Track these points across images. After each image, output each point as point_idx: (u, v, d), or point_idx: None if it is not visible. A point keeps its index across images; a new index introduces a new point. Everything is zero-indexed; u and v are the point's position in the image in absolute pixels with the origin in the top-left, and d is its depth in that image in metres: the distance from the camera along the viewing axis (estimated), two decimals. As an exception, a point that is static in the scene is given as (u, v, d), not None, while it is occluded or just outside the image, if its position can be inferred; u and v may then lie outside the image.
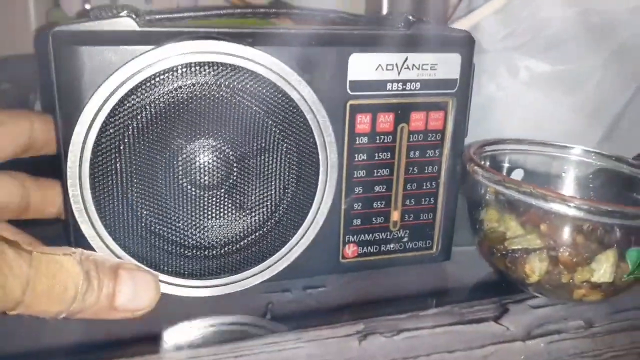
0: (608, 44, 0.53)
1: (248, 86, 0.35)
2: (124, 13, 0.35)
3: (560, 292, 0.43)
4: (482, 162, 0.46)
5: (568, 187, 0.52)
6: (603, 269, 0.41)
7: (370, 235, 0.42)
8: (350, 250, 0.42)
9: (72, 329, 0.34)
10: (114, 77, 0.32)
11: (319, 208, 0.39)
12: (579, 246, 0.42)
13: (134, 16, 0.34)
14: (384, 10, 0.53)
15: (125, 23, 0.34)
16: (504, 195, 0.43)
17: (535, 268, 0.42)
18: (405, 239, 0.44)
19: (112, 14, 0.34)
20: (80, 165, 0.33)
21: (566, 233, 0.42)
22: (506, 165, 0.51)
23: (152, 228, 0.36)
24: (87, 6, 0.38)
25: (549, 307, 0.43)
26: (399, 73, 0.38)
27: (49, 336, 0.34)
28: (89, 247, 0.35)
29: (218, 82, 0.34)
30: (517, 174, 0.51)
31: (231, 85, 0.34)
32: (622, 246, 0.41)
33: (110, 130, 0.33)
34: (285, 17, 0.43)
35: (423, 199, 0.43)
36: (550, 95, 0.55)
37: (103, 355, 0.33)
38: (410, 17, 0.41)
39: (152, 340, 0.35)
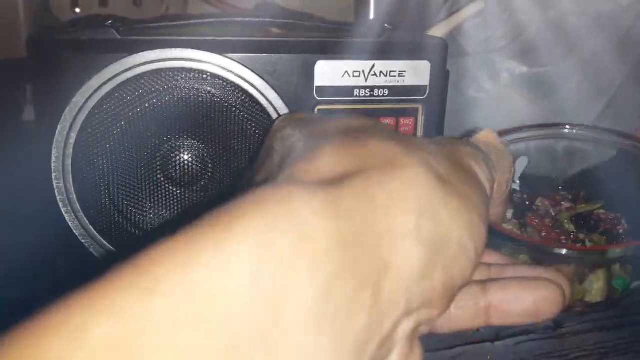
0: (586, 46, 0.54)
1: (216, 91, 0.39)
2: (109, 23, 0.39)
3: None
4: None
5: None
6: (594, 290, 0.43)
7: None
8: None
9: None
10: (92, 82, 0.37)
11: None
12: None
13: (117, 25, 0.39)
14: (371, 17, 0.56)
15: (107, 32, 0.38)
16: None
17: None
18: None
19: (97, 24, 0.39)
20: (63, 161, 0.38)
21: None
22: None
23: (132, 219, 0.40)
24: (77, 10, 0.42)
25: (521, 309, 0.45)
26: (366, 79, 0.41)
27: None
28: (72, 235, 0.39)
29: (188, 87, 0.38)
30: (522, 162, 0.52)
31: (200, 90, 0.38)
32: (611, 271, 0.43)
33: (89, 130, 0.38)
34: (269, 25, 0.46)
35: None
36: (530, 97, 0.57)
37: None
38: (386, 25, 0.44)
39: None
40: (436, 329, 0.26)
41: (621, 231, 0.45)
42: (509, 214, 0.47)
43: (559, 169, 0.53)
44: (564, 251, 0.39)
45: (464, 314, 0.26)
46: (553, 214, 0.47)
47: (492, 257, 0.31)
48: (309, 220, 0.17)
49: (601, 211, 0.47)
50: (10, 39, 0.56)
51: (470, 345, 0.41)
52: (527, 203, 0.48)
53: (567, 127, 0.53)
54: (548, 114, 0.60)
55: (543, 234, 0.44)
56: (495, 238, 0.39)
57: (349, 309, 0.17)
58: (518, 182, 0.50)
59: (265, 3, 0.56)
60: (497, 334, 0.42)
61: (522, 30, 0.55)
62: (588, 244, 0.43)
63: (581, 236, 0.44)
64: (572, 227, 0.45)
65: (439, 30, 0.59)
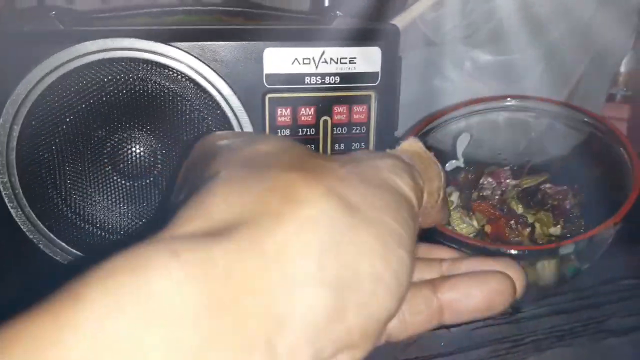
0: (550, 34, 0.55)
1: (163, 81, 0.39)
2: (52, 13, 0.39)
3: None
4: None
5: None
6: (546, 275, 0.43)
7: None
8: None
9: None
10: (33, 74, 0.37)
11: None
12: None
13: (61, 16, 0.39)
14: (326, 4, 0.56)
15: (50, 23, 0.38)
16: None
17: None
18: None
19: (40, 15, 0.39)
20: (7, 155, 0.38)
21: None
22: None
23: (81, 213, 0.40)
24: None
25: (479, 294, 0.46)
26: (316, 67, 0.42)
27: None
28: (20, 231, 0.39)
29: (132, 77, 0.38)
30: (464, 139, 0.52)
31: (146, 80, 0.38)
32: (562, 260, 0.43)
33: (33, 123, 0.38)
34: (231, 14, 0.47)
35: (351, 190, 0.46)
36: (495, 86, 0.58)
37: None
38: (337, 12, 0.44)
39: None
40: (392, 338, 0.26)
41: (568, 206, 0.46)
42: (455, 197, 0.48)
43: (502, 142, 0.53)
44: (513, 252, 0.40)
45: (417, 319, 0.26)
46: (498, 192, 0.47)
47: (444, 252, 0.31)
48: (165, 290, 0.15)
49: (547, 185, 0.47)
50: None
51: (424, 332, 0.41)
52: (473, 180, 0.48)
53: (508, 99, 0.52)
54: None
55: (491, 217, 0.45)
56: (442, 241, 0.40)
57: None
58: (462, 159, 0.51)
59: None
60: (455, 320, 0.43)
61: (486, 19, 0.56)
62: (536, 225, 0.44)
63: (530, 218, 0.45)
64: (519, 208, 0.45)
65: (401, 20, 0.60)
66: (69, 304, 0.15)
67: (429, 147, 0.28)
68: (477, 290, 0.26)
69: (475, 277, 0.27)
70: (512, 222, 0.43)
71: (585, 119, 0.48)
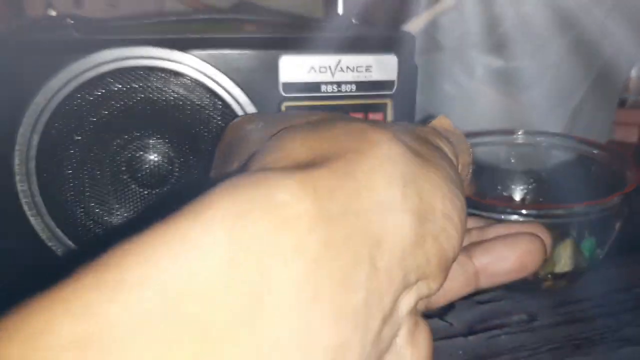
0: (563, 39, 0.55)
1: (180, 89, 0.39)
2: (69, 22, 0.39)
3: (527, 286, 0.46)
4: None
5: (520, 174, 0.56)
6: (563, 260, 0.44)
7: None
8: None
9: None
10: (52, 83, 0.37)
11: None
12: None
13: (77, 25, 0.39)
14: (340, 12, 0.56)
15: (67, 32, 0.38)
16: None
17: None
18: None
19: (57, 23, 0.39)
20: (27, 164, 0.38)
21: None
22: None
23: (100, 221, 0.41)
24: (53, 12, 0.42)
25: (495, 302, 0.46)
26: (332, 75, 0.42)
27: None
28: (38, 238, 0.39)
29: (150, 86, 0.38)
30: None
31: (163, 89, 0.39)
32: (578, 234, 0.44)
33: (52, 132, 0.38)
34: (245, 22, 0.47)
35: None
36: (507, 92, 0.58)
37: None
38: (352, 20, 0.44)
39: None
40: (431, 305, 0.26)
41: None
42: None
43: (503, 173, 0.56)
44: (532, 211, 0.42)
45: (454, 284, 0.27)
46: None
47: (469, 222, 0.32)
48: (287, 201, 0.17)
49: None
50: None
51: (442, 340, 0.41)
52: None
53: (512, 134, 0.56)
54: (527, 108, 0.60)
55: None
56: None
57: (345, 287, 0.17)
58: None
59: (242, 2, 0.56)
60: (470, 328, 0.43)
61: (498, 25, 0.56)
62: None
63: None
64: None
65: (413, 26, 0.60)
66: (201, 211, 0.16)
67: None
68: (509, 252, 0.28)
69: (506, 240, 0.28)
70: None
71: (590, 149, 0.52)
